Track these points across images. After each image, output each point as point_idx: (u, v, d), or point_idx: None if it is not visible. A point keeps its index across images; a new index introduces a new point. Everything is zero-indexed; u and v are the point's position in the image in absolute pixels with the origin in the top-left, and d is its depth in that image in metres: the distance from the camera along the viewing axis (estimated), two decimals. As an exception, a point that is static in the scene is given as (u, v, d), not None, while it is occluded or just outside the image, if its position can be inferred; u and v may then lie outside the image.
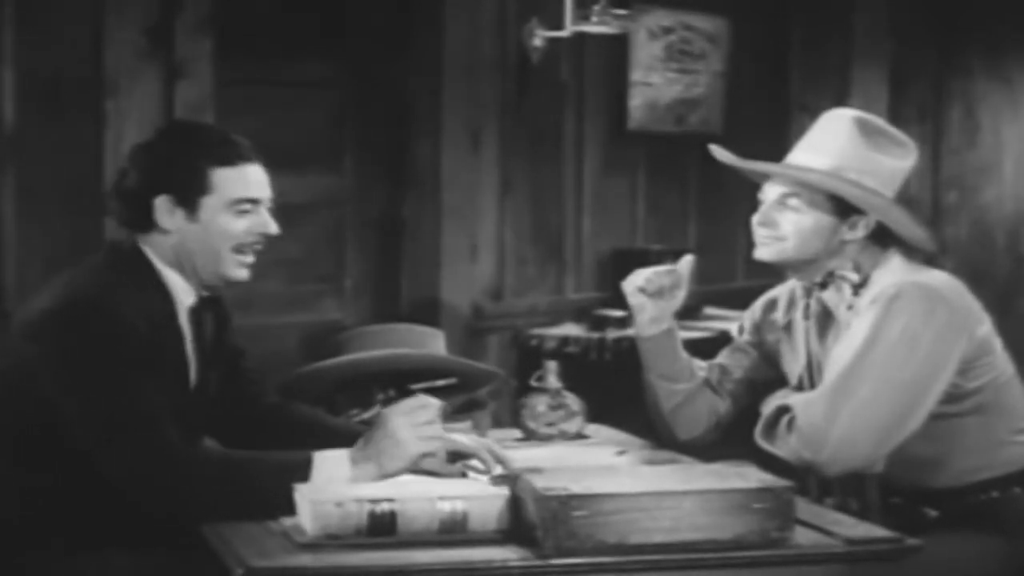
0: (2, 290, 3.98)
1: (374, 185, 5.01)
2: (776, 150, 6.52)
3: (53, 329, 2.62)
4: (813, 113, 6.16)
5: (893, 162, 3.02)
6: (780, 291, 3.25)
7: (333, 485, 2.52)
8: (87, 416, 2.58)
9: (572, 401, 3.30)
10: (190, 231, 2.74)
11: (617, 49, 5.54)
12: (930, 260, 3.10)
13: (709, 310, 5.49)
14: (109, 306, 2.62)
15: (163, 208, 2.72)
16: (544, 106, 5.35)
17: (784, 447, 2.91)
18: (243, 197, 2.77)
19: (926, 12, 6.28)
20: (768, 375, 3.22)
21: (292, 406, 3.07)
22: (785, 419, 2.92)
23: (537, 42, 5.18)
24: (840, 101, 6.04)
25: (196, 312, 2.81)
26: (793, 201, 3.01)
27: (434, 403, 2.75)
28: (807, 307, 3.10)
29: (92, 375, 2.58)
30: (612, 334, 5.11)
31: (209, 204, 2.74)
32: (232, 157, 2.76)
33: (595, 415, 3.36)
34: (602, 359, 5.03)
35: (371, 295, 5.02)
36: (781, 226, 3.02)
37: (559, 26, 5.13)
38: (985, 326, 2.98)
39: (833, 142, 3.02)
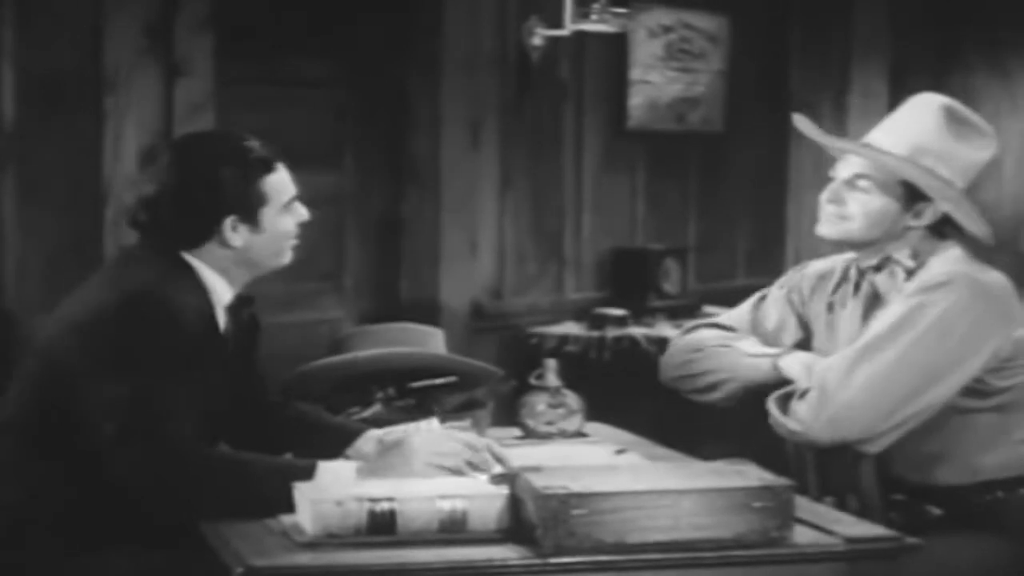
0: (2, 290, 3.98)
1: (374, 183, 5.01)
2: (776, 148, 6.55)
3: (117, 321, 2.63)
4: (813, 111, 6.18)
5: (972, 153, 3.02)
6: (834, 265, 3.21)
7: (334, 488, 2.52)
8: (116, 405, 2.57)
9: (571, 399, 3.30)
10: (255, 241, 2.80)
11: (617, 47, 5.55)
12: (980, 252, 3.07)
13: (709, 309, 5.49)
14: (169, 300, 2.66)
15: (229, 228, 2.77)
16: (544, 104, 5.35)
17: (791, 413, 2.90)
18: (291, 197, 2.85)
19: (925, 9, 6.28)
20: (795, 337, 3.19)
21: (293, 405, 3.07)
22: (800, 390, 2.92)
23: (537, 40, 5.19)
24: (840, 98, 6.05)
25: (233, 310, 2.84)
26: (864, 183, 3.01)
27: (462, 437, 2.76)
28: (857, 286, 3.10)
29: (150, 366, 2.59)
30: (611, 332, 5.12)
31: (268, 213, 2.80)
32: (271, 163, 2.83)
33: (594, 413, 3.36)
34: (601, 358, 5.04)
35: (371, 293, 5.02)
36: (848, 205, 3.02)
37: (559, 24, 5.13)
38: None
39: (916, 127, 3.01)
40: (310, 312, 4.84)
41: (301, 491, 2.44)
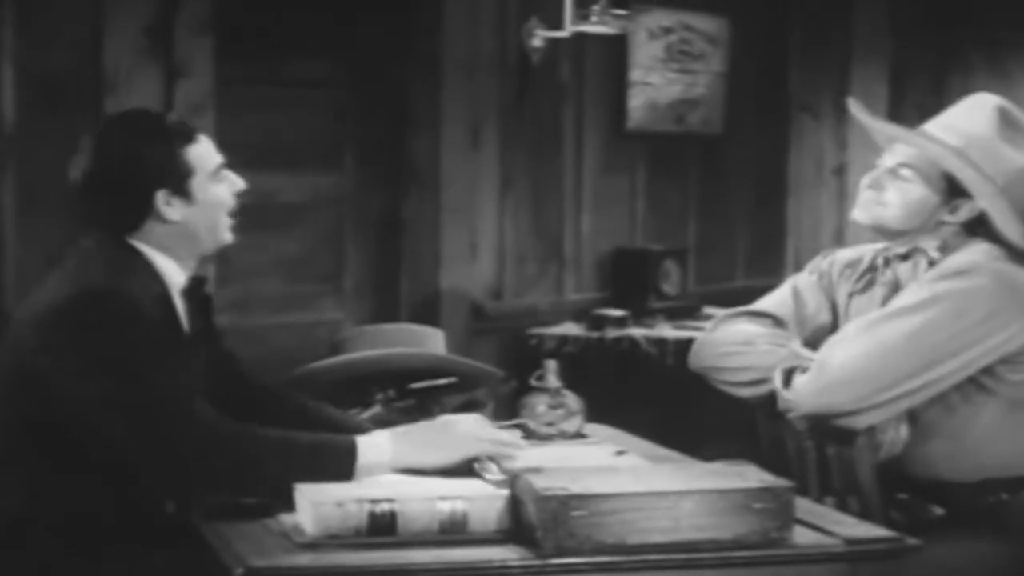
0: (2, 290, 3.98)
1: (374, 184, 5.01)
2: (776, 150, 6.54)
3: (74, 316, 2.64)
4: (813, 113, 6.16)
5: (1017, 156, 3.01)
6: (862, 254, 3.21)
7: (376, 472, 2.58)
8: (113, 400, 2.57)
9: (571, 400, 3.30)
10: (191, 214, 2.81)
11: (617, 49, 5.54)
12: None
13: (708, 310, 5.49)
14: (125, 292, 2.66)
15: (162, 202, 2.78)
16: (544, 106, 5.35)
17: (790, 387, 2.89)
18: (218, 164, 2.86)
19: (925, 10, 6.28)
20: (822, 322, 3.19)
21: (295, 397, 3.07)
22: (804, 365, 2.92)
23: (537, 42, 5.19)
24: (840, 100, 6.05)
25: (189, 293, 2.84)
26: (906, 172, 3.02)
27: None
28: (882, 275, 3.09)
29: (118, 358, 2.60)
30: (611, 333, 5.11)
31: (197, 183, 2.81)
32: (190, 133, 2.84)
33: (594, 414, 3.36)
34: (601, 358, 5.04)
35: (371, 294, 5.02)
36: (887, 192, 3.03)
37: (559, 26, 5.13)
38: None
39: (967, 123, 3.03)
40: (309, 313, 4.83)
41: (301, 492, 2.44)
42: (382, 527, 2.36)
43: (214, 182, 2.84)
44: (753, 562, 2.35)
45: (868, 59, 6.20)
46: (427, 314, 4.78)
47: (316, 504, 2.36)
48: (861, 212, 3.08)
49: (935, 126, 3.08)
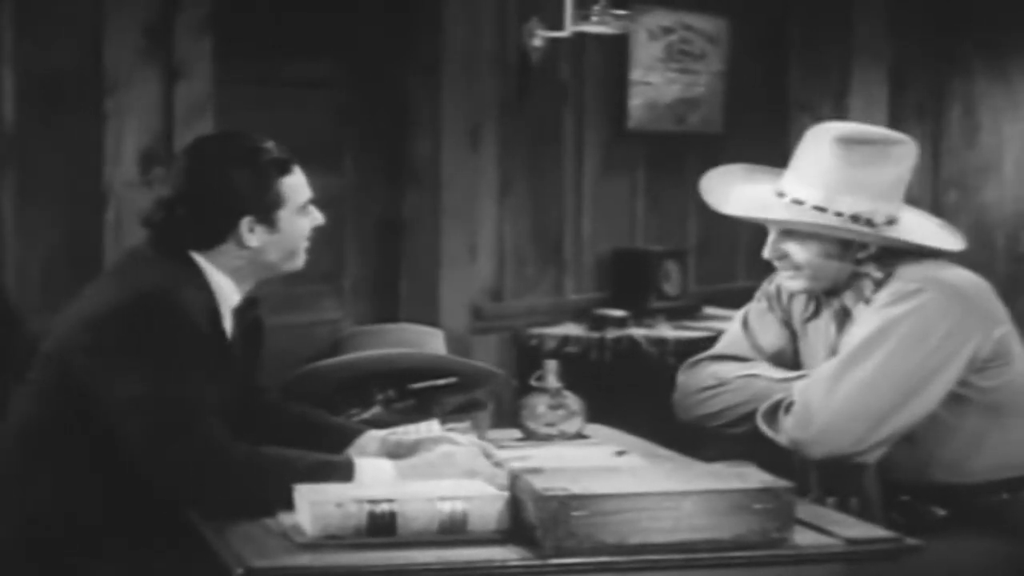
0: (2, 290, 3.98)
1: (374, 185, 5.01)
2: (776, 149, 6.54)
3: (125, 319, 2.64)
4: (813, 112, 6.18)
5: (887, 171, 2.95)
6: None
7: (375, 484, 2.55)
8: (141, 401, 2.58)
9: (572, 401, 3.30)
10: (270, 242, 2.82)
11: (617, 49, 5.55)
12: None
13: (709, 310, 5.49)
14: (179, 299, 2.67)
15: (246, 229, 2.79)
16: (544, 106, 5.35)
17: (780, 429, 2.89)
18: (307, 199, 2.88)
19: (926, 12, 6.28)
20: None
21: (293, 404, 3.08)
22: (785, 402, 2.90)
23: (537, 42, 5.19)
24: (840, 101, 6.05)
25: (239, 312, 2.84)
26: (795, 235, 2.96)
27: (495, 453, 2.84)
28: (828, 304, 3.06)
29: (158, 363, 2.61)
30: (612, 334, 5.12)
31: (285, 215, 2.83)
32: (288, 165, 2.85)
33: (595, 415, 3.36)
34: (602, 359, 5.04)
35: (370, 295, 5.02)
36: (793, 256, 2.97)
37: (559, 26, 5.13)
38: (1004, 327, 2.94)
39: (819, 168, 2.94)
40: (309, 313, 4.83)
41: (301, 492, 2.44)
42: (382, 527, 2.36)
43: (300, 215, 2.85)
44: (753, 562, 2.35)
45: (868, 60, 6.21)
46: (427, 314, 4.78)
47: (316, 504, 2.36)
48: (791, 283, 3.02)
49: (792, 178, 2.99)
